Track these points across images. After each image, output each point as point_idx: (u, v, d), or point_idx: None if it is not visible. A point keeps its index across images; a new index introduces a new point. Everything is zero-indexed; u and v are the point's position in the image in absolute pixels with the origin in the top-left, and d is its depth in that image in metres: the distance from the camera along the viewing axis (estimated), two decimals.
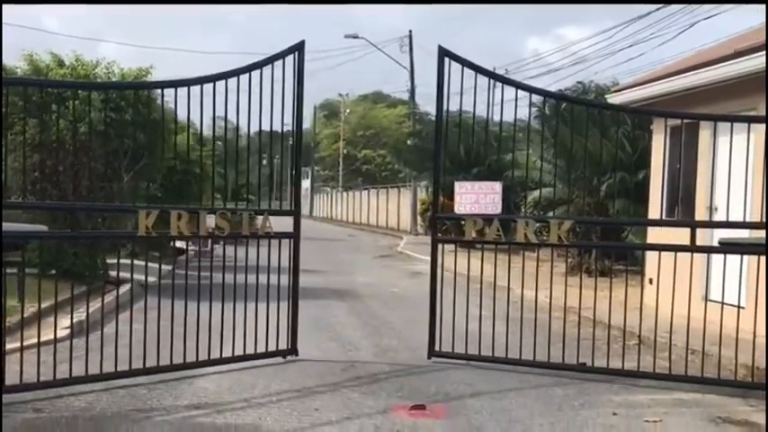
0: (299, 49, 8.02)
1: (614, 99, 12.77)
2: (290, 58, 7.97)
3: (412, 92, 42.48)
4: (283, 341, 8.11)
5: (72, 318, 7.22)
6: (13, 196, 10.30)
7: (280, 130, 8.24)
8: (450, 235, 12.63)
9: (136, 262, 7.85)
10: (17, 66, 12.65)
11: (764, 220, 7.16)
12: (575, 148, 13.37)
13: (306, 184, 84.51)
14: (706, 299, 7.98)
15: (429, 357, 8.28)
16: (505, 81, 8.49)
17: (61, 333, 7.27)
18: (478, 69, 8.18)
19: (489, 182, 8.56)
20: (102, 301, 7.78)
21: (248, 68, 7.69)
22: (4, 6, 6.67)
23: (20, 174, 9.39)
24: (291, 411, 6.29)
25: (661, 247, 8.31)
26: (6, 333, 7.17)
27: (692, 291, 7.55)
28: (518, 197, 18.91)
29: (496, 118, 11.88)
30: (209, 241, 8.95)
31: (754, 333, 7.28)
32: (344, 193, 60.24)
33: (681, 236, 7.75)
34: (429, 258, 8.80)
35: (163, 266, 8.43)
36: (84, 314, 8.71)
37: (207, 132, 8.37)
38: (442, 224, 9.80)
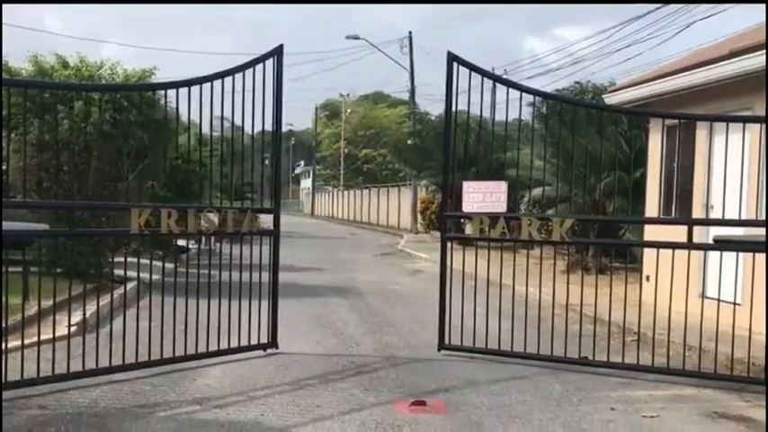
0: (278, 53, 8.33)
1: (611, 99, 12.84)
2: (269, 62, 8.24)
3: (412, 92, 42.65)
4: (265, 335, 8.42)
5: (69, 317, 7.35)
6: (18, 196, 10.41)
7: (262, 131, 8.56)
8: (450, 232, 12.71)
9: (137, 260, 8.01)
10: (22, 67, 12.74)
11: (763, 217, 7.26)
12: (571, 146, 13.44)
13: (307, 183, 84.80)
14: (703, 296, 8.06)
15: (439, 350, 8.59)
16: (511, 84, 8.68)
17: (60, 332, 7.37)
18: (485, 74, 8.49)
19: (495, 181, 8.84)
20: (98, 301, 7.89)
21: (231, 71, 7.93)
22: (4, 6, 6.74)
23: (25, 173, 9.48)
24: (294, 408, 6.37)
25: (660, 244, 8.46)
26: (10, 330, 7.31)
27: (689, 288, 7.63)
28: (517, 195, 18.98)
29: (498, 117, 12.02)
30: (212, 239, 9.15)
31: (750, 329, 7.39)
32: (346, 192, 60.33)
33: (677, 234, 7.84)
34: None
35: (160, 265, 8.55)
36: (86, 312, 8.79)
37: (203, 133, 8.55)
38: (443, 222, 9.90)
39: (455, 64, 8.40)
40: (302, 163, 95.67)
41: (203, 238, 8.97)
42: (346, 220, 55.19)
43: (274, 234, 8.59)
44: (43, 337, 7.06)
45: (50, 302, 7.08)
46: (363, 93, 76.69)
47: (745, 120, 8.12)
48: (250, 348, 8.23)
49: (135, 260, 7.91)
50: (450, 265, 8.57)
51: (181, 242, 14.14)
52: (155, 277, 7.92)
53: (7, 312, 7.32)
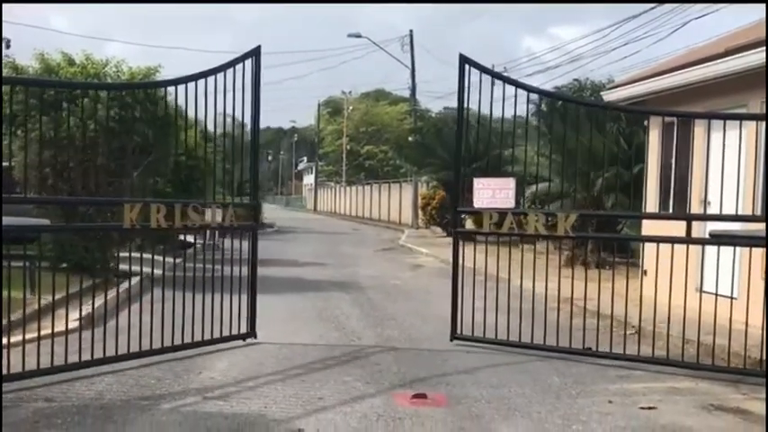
0: (255, 54, 8.62)
1: (609, 96, 12.92)
2: (248, 62, 8.51)
3: (413, 89, 42.79)
4: (244, 325, 8.71)
5: (67, 314, 7.48)
6: (32, 191, 10.53)
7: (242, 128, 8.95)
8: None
9: (141, 255, 8.15)
10: (29, 65, 12.84)
11: (762, 213, 7.34)
12: (573, 144, 13.52)
13: (310, 179, 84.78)
14: (700, 290, 8.14)
15: (451, 340, 8.87)
16: (518, 85, 8.90)
17: (59, 327, 7.45)
18: (495, 75, 8.97)
19: (504, 178, 9.12)
20: (101, 296, 8.00)
21: (213, 71, 8.16)
22: (4, 6, 6.82)
23: (29, 170, 9.59)
24: (297, 400, 6.47)
25: (660, 239, 8.59)
26: (15, 324, 7.41)
27: (687, 282, 7.73)
28: (522, 191, 19.09)
29: (497, 116, 12.27)
30: (216, 234, 9.39)
31: (747, 323, 7.49)
32: (348, 188, 60.43)
33: (675, 229, 7.93)
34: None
35: (161, 260, 8.74)
36: (93, 306, 8.91)
37: (198, 130, 8.81)
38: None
39: (467, 65, 8.72)
40: (305, 159, 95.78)
41: (207, 233, 9.18)
42: (348, 215, 55.25)
43: (253, 228, 9.05)
44: (47, 331, 7.16)
45: (56, 297, 7.17)
46: (365, 90, 77.01)
47: (741, 117, 8.21)
48: (230, 338, 8.45)
49: (138, 255, 8.04)
50: (462, 259, 8.84)
51: (187, 238, 14.31)
52: (157, 272, 8.06)
53: (11, 306, 7.42)
